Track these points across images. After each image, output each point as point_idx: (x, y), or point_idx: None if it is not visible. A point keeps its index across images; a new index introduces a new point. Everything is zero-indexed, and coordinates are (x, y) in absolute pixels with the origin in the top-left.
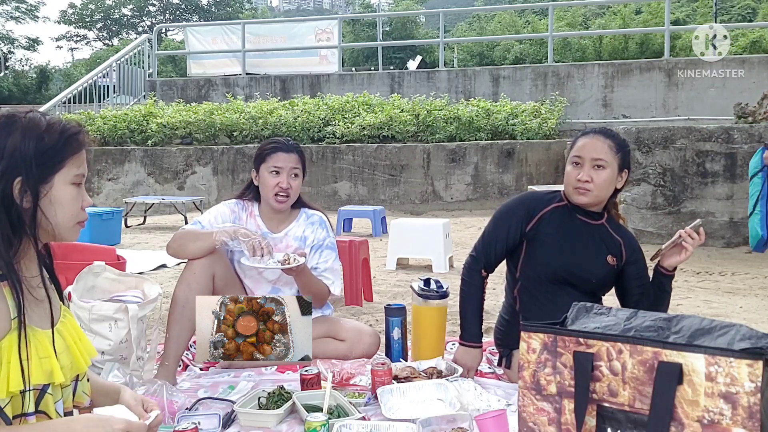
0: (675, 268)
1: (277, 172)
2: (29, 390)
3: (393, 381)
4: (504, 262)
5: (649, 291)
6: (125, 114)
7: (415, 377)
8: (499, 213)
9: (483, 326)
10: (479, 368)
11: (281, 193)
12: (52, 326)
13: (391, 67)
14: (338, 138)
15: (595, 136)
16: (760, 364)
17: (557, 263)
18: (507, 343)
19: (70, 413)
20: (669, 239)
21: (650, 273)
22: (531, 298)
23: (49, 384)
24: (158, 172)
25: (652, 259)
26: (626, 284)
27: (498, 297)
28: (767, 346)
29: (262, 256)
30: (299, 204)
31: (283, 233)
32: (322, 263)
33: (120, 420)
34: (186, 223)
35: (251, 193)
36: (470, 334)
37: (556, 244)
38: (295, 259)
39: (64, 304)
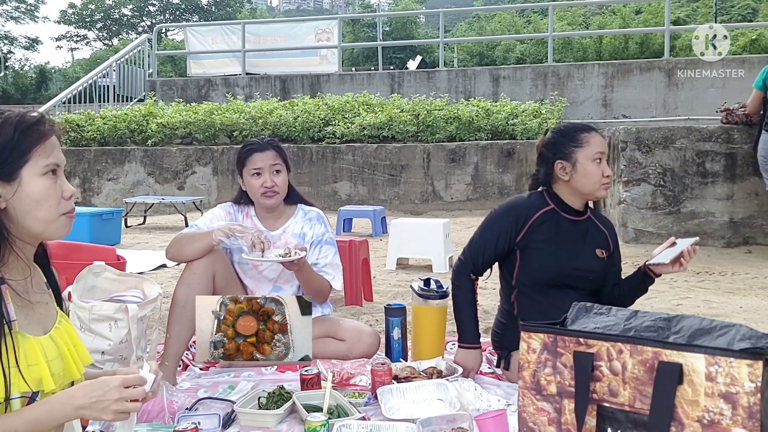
0: (660, 274)
1: (259, 173)
2: (16, 398)
3: (393, 381)
4: (497, 267)
5: (622, 284)
6: (125, 114)
7: (415, 377)
8: (488, 220)
9: (481, 326)
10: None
11: (267, 192)
12: (6, 330)
13: (391, 67)
14: (338, 138)
15: (595, 132)
16: (760, 364)
17: (554, 268)
18: (505, 345)
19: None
20: (668, 239)
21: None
22: (530, 302)
23: (38, 392)
24: (158, 172)
25: (648, 264)
26: (604, 278)
27: (497, 296)
28: (767, 346)
29: (262, 250)
30: (295, 200)
31: (281, 230)
32: (322, 259)
33: (115, 378)
34: (186, 223)
35: (245, 198)
36: (468, 335)
37: (549, 249)
38: (296, 252)
39: (62, 308)
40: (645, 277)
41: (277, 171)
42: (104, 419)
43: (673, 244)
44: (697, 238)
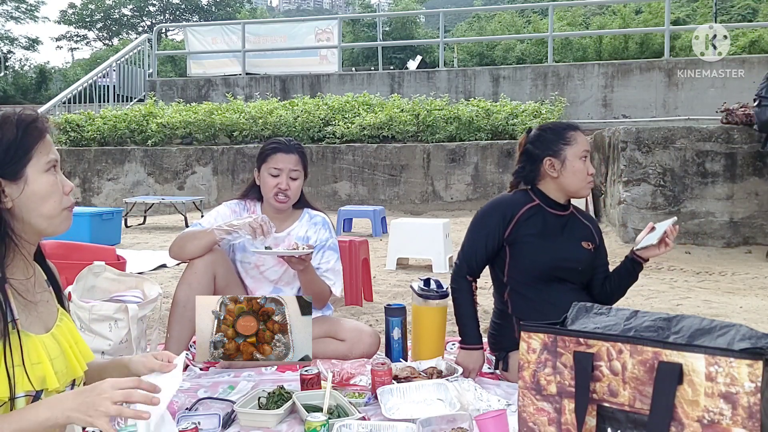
0: (648, 259)
1: (277, 174)
2: (20, 397)
3: (393, 381)
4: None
5: (611, 277)
6: (125, 114)
7: (415, 377)
8: (475, 221)
9: (481, 326)
10: None
11: (280, 194)
12: (13, 330)
13: (391, 67)
14: (338, 138)
15: (580, 131)
16: (760, 364)
17: (544, 261)
18: (502, 346)
19: None
20: (670, 237)
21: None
22: (523, 300)
23: (42, 390)
24: (158, 172)
25: (636, 250)
26: (592, 270)
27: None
28: (767, 346)
29: (264, 234)
30: (303, 204)
31: (285, 233)
32: (324, 264)
33: (106, 380)
34: (186, 223)
35: (255, 193)
36: (469, 336)
37: (538, 243)
38: (303, 247)
39: (63, 306)
40: (634, 264)
41: (295, 177)
42: (96, 425)
43: (653, 228)
44: (675, 218)
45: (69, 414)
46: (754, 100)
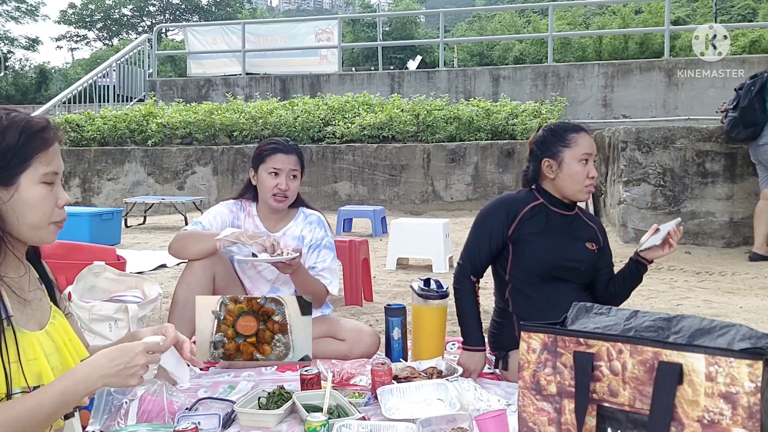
0: (652, 261)
1: (276, 174)
2: (17, 393)
3: (393, 381)
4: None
5: (615, 278)
6: (125, 114)
7: (415, 377)
8: (478, 220)
9: (483, 327)
10: None
11: (279, 195)
12: (8, 326)
13: (391, 67)
14: (338, 138)
15: (584, 132)
16: (760, 364)
17: (547, 259)
18: (502, 345)
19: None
20: (674, 238)
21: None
22: (524, 298)
23: (38, 386)
24: (158, 172)
25: (641, 251)
26: (595, 271)
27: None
28: (767, 346)
29: (273, 252)
30: (298, 203)
31: (281, 233)
32: (319, 262)
33: (137, 344)
34: (186, 223)
35: (250, 193)
36: (471, 338)
37: (541, 241)
38: (288, 253)
39: (56, 304)
40: (638, 266)
41: (294, 176)
42: (129, 385)
43: (657, 230)
44: (679, 219)
45: (105, 380)
46: (726, 110)
